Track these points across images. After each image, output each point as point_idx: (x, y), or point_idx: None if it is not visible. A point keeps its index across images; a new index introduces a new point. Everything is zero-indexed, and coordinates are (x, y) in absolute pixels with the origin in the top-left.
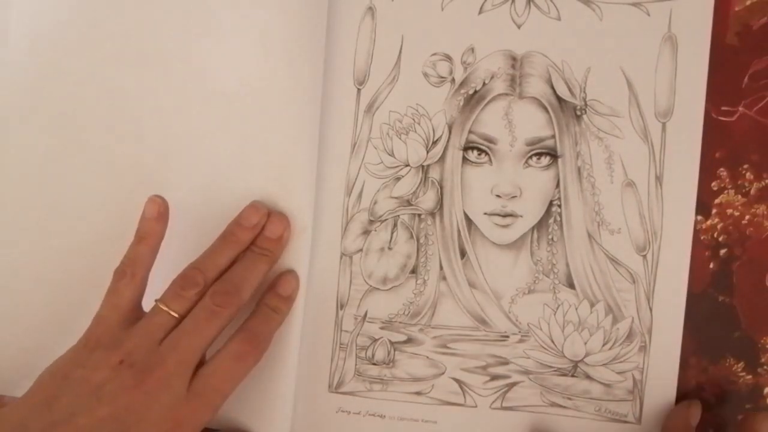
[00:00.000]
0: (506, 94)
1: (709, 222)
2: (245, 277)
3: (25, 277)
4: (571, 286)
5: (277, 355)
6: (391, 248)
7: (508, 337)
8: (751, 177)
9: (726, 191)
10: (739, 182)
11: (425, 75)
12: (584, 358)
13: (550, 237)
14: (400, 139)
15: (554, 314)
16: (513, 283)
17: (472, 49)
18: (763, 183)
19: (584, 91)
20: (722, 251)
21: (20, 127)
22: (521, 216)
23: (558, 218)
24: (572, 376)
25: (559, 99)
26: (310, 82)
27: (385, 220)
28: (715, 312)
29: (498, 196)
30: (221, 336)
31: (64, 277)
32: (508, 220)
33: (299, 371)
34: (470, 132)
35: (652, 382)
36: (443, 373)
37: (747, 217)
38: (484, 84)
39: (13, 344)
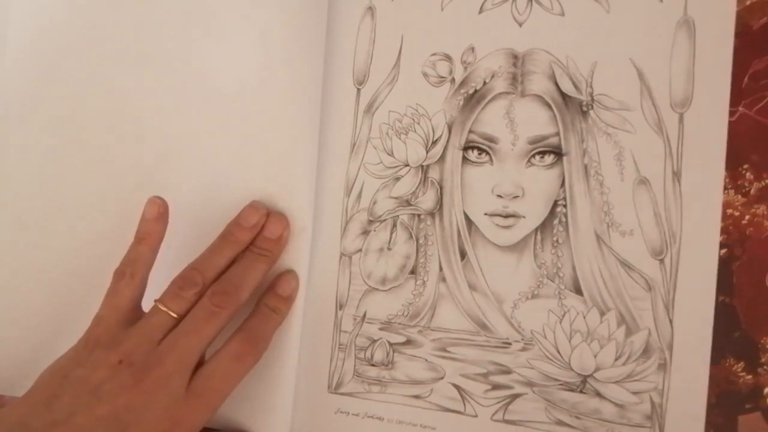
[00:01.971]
0: (507, 93)
1: None
2: (244, 277)
3: (25, 277)
4: (579, 291)
5: (276, 356)
6: (390, 248)
7: (510, 344)
8: (751, 177)
9: (726, 191)
10: (739, 182)
11: (425, 75)
12: (594, 372)
13: (554, 239)
14: (399, 139)
15: (560, 322)
16: (515, 286)
17: (473, 49)
18: (763, 183)
19: (591, 86)
20: (722, 251)
21: (20, 127)
22: (524, 217)
23: (563, 219)
24: (581, 392)
25: (563, 95)
26: (310, 82)
27: (385, 220)
28: (715, 312)
29: (499, 196)
30: (221, 336)
31: (64, 278)
32: (509, 221)
33: (298, 372)
34: (470, 131)
35: (674, 407)
36: (442, 378)
37: (747, 217)
38: (484, 83)
39: (13, 344)
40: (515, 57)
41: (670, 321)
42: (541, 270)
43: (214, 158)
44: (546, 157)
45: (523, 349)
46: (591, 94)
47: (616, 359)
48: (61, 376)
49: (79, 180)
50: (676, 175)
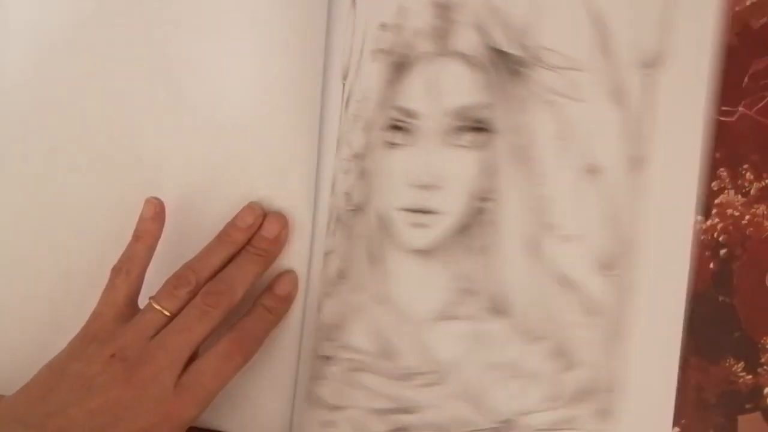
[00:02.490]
0: (430, 53)
1: (709, 222)
2: (238, 276)
3: (24, 278)
4: (504, 313)
5: (276, 357)
6: (334, 250)
7: (416, 375)
8: (751, 177)
9: (726, 191)
10: (739, 182)
11: (373, 53)
12: (517, 418)
13: (477, 243)
14: (355, 128)
15: (477, 351)
16: (428, 303)
17: (403, 7)
18: (763, 183)
19: (531, 38)
20: (722, 251)
21: (20, 127)
22: (442, 213)
23: (489, 218)
24: None
25: (496, 52)
26: (309, 81)
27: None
28: (715, 312)
29: (416, 186)
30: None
31: (64, 278)
32: (426, 218)
33: (298, 372)
34: (392, 107)
35: None
36: (346, 409)
37: (747, 217)
38: (409, 46)
39: (13, 344)
40: (441, 6)
41: (619, 357)
42: (459, 283)
43: (213, 158)
44: (471, 135)
45: (432, 384)
46: (530, 49)
47: (546, 402)
48: (57, 369)
49: (78, 181)
50: (638, 161)
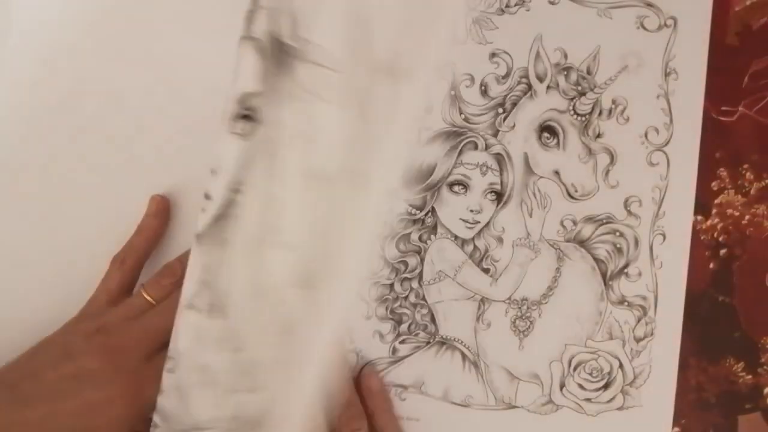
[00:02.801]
0: (243, 38)
1: (709, 222)
2: None
3: (25, 277)
4: (221, 313)
5: None
6: None
7: (168, 359)
8: (751, 177)
9: (726, 191)
10: (739, 182)
11: None
12: (203, 427)
13: (221, 236)
14: None
15: (195, 347)
16: (185, 289)
17: None
18: (763, 183)
19: (303, 30)
20: (722, 251)
21: (20, 126)
22: (213, 200)
23: (235, 211)
24: None
25: (277, 41)
26: None
27: None
28: (715, 312)
29: (209, 170)
30: None
31: (64, 277)
32: (205, 203)
33: None
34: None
35: None
36: None
37: (747, 217)
38: (242, 28)
39: (13, 344)
40: None
41: (298, 389)
42: (202, 274)
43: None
44: (243, 123)
45: (172, 370)
46: (301, 41)
47: (221, 421)
48: (47, 341)
49: (79, 180)
50: (360, 175)
